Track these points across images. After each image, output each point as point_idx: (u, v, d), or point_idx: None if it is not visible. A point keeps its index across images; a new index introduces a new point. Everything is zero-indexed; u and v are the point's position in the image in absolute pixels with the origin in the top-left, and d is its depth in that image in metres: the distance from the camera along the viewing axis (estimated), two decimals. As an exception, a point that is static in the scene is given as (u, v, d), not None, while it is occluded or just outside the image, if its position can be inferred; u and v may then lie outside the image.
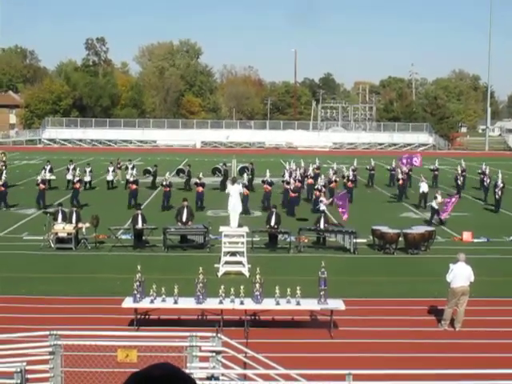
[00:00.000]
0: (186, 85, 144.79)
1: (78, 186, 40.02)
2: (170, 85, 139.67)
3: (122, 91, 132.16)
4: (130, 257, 26.99)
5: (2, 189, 39.24)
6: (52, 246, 28.53)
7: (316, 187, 39.21)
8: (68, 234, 28.61)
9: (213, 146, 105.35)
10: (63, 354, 12.34)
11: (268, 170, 41.41)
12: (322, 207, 32.53)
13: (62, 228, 28.67)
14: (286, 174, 41.94)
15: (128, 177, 45.80)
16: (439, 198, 34.47)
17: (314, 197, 39.04)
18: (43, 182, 39.89)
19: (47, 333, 12.44)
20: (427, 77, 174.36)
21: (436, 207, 34.38)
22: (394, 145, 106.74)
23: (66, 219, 29.42)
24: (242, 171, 45.38)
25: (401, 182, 43.88)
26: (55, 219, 29.50)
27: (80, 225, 29.08)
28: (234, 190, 26.29)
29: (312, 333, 18.07)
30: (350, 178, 43.81)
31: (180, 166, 49.45)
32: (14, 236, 31.24)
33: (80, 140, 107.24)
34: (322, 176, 41.93)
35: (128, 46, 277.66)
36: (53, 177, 47.07)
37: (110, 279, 23.60)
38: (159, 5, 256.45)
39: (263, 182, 40.33)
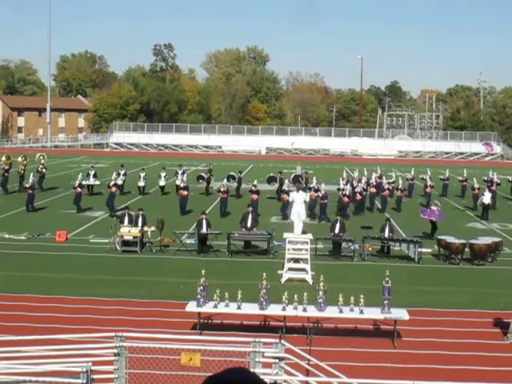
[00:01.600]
0: (252, 91, 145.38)
1: (113, 189, 39.68)
2: (236, 91, 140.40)
3: (189, 97, 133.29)
4: (193, 261, 27.20)
5: (30, 191, 39.40)
6: (118, 248, 28.91)
7: (344, 193, 39.33)
8: (134, 237, 28.94)
9: (278, 153, 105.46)
10: (128, 356, 12.49)
11: (315, 177, 41.45)
12: (436, 216, 32.25)
13: (128, 231, 29.02)
14: (341, 182, 41.73)
15: (178, 182, 46.06)
16: None
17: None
18: (80, 185, 39.74)
19: (112, 334, 12.60)
20: (496, 85, 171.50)
21: None
22: (461, 154, 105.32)
23: (132, 222, 29.79)
24: (295, 180, 45.12)
25: (476, 191, 43.41)
26: (121, 222, 29.89)
27: (145, 228, 29.39)
28: (299, 197, 26.27)
29: (375, 342, 17.94)
30: (400, 187, 43.30)
31: (231, 173, 49.32)
32: (81, 238, 31.74)
33: (146, 144, 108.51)
34: (359, 184, 41.93)
35: (195, 53, 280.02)
36: (97, 182, 46.75)
37: (173, 283, 23.80)
38: (226, 11, 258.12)
39: (309, 188, 40.26)
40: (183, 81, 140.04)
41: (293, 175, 44.42)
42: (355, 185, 42.59)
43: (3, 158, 49.39)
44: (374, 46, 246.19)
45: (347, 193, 38.86)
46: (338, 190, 40.62)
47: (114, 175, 43.21)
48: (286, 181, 41.41)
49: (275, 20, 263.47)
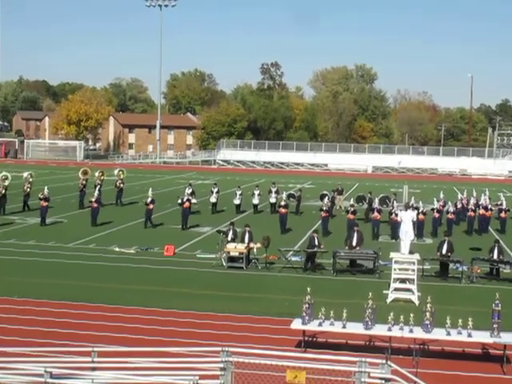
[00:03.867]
0: (359, 109, 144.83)
1: (186, 205, 39.82)
2: (343, 109, 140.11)
3: (296, 114, 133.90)
4: (299, 279, 27.22)
5: (95, 205, 39.83)
6: (224, 264, 29.20)
7: (448, 210, 39.73)
8: (240, 253, 29.18)
9: (384, 171, 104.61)
10: (233, 371, 12.58)
11: (376, 199, 40.93)
12: None
13: (234, 247, 29.28)
14: (436, 203, 40.93)
15: (272, 200, 46.05)
16: None
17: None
18: (152, 201, 39.82)
19: (219, 349, 12.73)
20: None
21: None
22: None
23: (236, 238, 30.07)
24: (382, 201, 44.40)
25: None
26: (226, 237, 30.17)
27: (251, 245, 29.60)
28: (407, 217, 25.97)
29: (483, 367, 17.50)
30: (505, 208, 42.17)
31: (291, 191, 48.97)
32: (188, 253, 32.23)
33: (253, 162, 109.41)
34: (449, 203, 41.17)
35: (302, 71, 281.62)
36: (194, 200, 44.75)
37: (279, 300, 23.87)
38: (331, 30, 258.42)
39: (372, 210, 39.57)
40: (290, 99, 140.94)
41: (380, 195, 43.68)
42: (458, 206, 41.98)
43: (80, 174, 50.42)
44: (485, 64, 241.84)
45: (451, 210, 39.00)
46: (432, 210, 40.07)
47: (186, 190, 43.30)
48: (376, 200, 40.80)
49: (384, 38, 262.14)
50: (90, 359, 13.35)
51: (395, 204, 39.64)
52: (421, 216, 38.05)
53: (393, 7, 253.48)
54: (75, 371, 12.87)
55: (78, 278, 26.61)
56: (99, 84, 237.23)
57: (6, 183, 44.45)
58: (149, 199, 39.78)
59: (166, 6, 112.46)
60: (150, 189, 43.13)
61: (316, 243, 29.05)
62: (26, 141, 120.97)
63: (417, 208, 38.04)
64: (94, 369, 13.25)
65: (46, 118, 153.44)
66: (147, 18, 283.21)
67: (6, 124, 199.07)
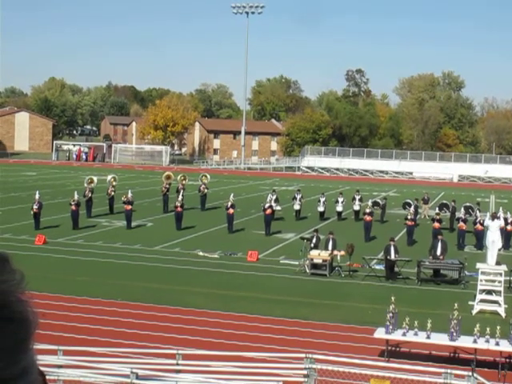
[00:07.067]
0: (446, 117, 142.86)
1: (268, 211, 39.99)
2: (429, 117, 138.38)
3: (381, 122, 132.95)
4: (382, 287, 27.04)
5: (179, 209, 40.27)
6: (307, 271, 29.20)
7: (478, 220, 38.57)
8: (323, 260, 29.14)
9: (470, 181, 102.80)
10: (317, 378, 12.59)
11: (462, 208, 40.06)
12: None
13: (318, 254, 29.26)
14: None
15: (356, 208, 45.78)
16: None
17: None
18: (232, 206, 39.94)
19: (303, 355, 12.76)
20: None
21: None
22: None
23: (320, 245, 30.04)
24: (441, 208, 43.53)
25: None
26: (311, 244, 30.17)
27: (335, 252, 29.53)
28: (494, 226, 25.53)
29: None
30: None
31: (376, 199, 48.38)
32: (272, 259, 32.34)
33: (337, 169, 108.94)
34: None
35: (388, 78, 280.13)
36: (278, 207, 45.29)
37: (361, 308, 23.76)
38: (418, 38, 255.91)
39: (457, 219, 38.81)
40: (377, 106, 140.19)
41: (463, 205, 42.74)
42: None
43: (163, 179, 50.85)
44: None
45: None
46: None
47: (269, 197, 43.14)
48: (462, 209, 40.05)
49: (472, 46, 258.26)
50: (174, 361, 13.55)
51: (478, 214, 38.83)
52: (509, 227, 37.27)
53: (481, 17, 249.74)
54: (160, 373, 13.08)
55: (167, 281, 27.16)
56: (185, 90, 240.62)
57: (92, 186, 45.34)
58: (229, 203, 40.15)
59: (253, 12, 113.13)
60: (232, 194, 43.39)
61: (392, 251, 28.81)
62: (113, 145, 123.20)
63: (505, 219, 37.26)
64: (178, 371, 13.44)
65: (134, 123, 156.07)
66: (234, 24, 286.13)
67: (94, 128, 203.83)
